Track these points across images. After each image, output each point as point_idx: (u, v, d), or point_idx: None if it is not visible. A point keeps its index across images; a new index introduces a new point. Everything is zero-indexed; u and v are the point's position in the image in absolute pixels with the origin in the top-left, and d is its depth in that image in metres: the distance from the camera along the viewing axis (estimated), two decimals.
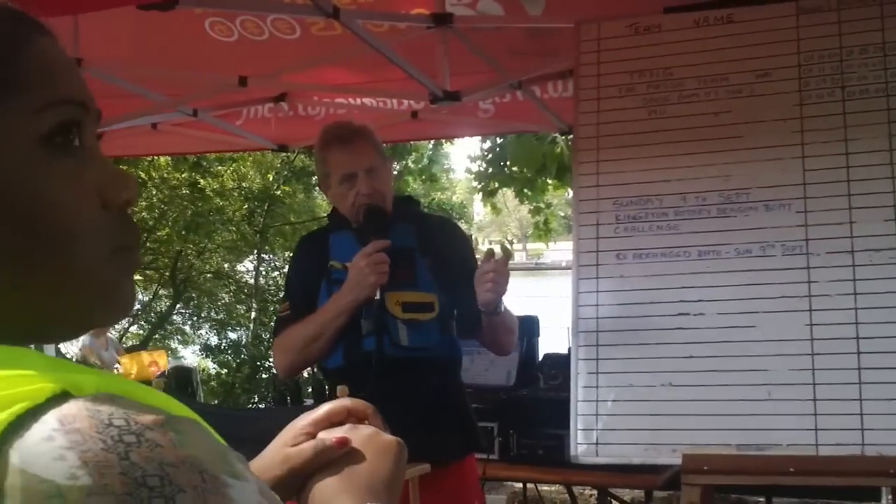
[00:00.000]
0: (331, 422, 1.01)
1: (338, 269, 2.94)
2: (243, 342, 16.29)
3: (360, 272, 2.82)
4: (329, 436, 0.98)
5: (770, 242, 2.93)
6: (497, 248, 2.80)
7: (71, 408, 0.60)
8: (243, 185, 14.58)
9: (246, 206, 15.05)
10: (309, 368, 5.83)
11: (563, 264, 28.10)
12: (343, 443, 0.97)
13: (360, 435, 0.98)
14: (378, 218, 2.92)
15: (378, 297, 2.83)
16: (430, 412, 2.95)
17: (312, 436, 0.99)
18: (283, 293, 3.31)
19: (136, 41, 4.32)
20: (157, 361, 11.50)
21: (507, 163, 10.88)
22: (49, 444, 0.57)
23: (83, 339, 11.88)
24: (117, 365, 12.11)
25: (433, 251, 2.99)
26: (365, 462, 0.96)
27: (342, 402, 1.03)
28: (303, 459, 0.97)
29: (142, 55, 4.45)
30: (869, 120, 2.91)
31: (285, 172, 15.33)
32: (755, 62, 3.04)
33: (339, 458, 0.96)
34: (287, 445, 0.99)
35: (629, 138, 3.13)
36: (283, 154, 9.53)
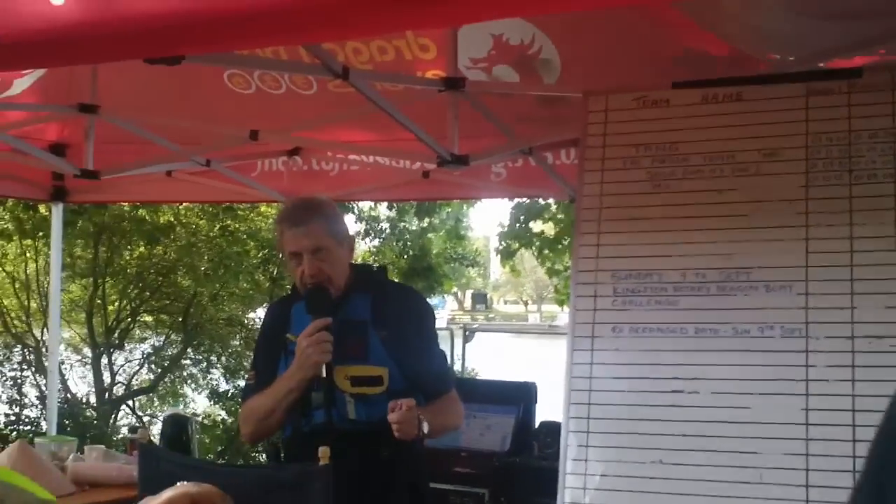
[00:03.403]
0: None
1: (293, 341, 3.02)
2: None
3: (303, 352, 2.93)
4: None
5: (769, 324, 2.89)
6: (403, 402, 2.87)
7: None
8: (261, 233, 14.60)
9: (261, 253, 15.05)
10: None
11: None
12: None
13: None
14: (319, 300, 3.01)
15: (325, 373, 2.92)
16: (379, 486, 2.98)
17: None
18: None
19: (155, 88, 4.36)
20: None
21: (527, 223, 10.88)
22: None
23: None
24: None
25: (388, 323, 3.04)
26: None
27: (185, 489, 0.98)
28: None
29: (160, 102, 4.49)
30: (876, 205, 2.88)
31: None
32: (762, 141, 3.03)
33: None
34: None
35: (632, 211, 3.11)
36: None
